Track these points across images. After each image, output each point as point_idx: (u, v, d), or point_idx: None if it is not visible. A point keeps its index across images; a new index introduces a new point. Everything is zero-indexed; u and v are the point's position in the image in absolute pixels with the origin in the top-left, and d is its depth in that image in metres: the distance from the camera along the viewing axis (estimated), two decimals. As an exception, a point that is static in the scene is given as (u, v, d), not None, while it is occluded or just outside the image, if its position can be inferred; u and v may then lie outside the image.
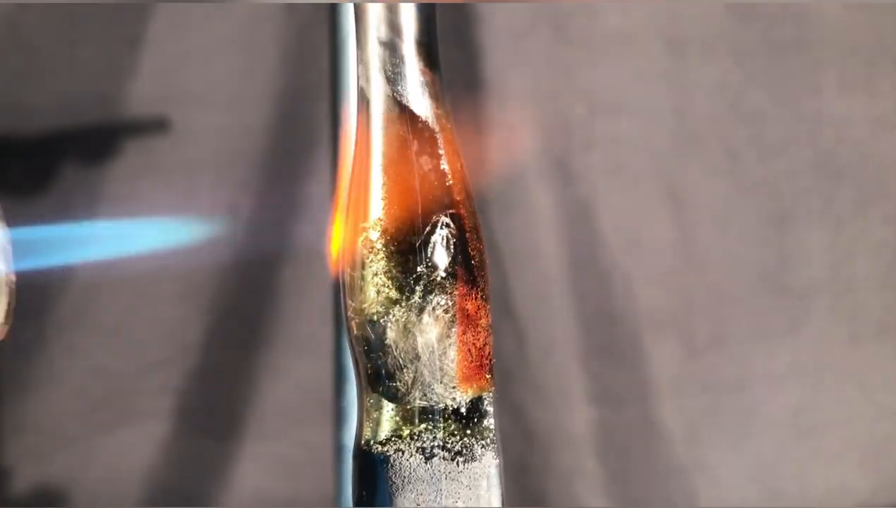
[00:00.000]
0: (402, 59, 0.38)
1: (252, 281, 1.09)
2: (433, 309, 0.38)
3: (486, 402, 0.39)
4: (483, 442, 0.39)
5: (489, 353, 0.39)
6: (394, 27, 0.38)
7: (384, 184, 0.38)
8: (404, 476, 0.38)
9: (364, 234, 0.38)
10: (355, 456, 0.39)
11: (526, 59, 1.07)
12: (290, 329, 1.08)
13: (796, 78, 1.08)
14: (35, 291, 1.07)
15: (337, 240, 0.39)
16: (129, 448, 1.08)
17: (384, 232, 0.38)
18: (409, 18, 0.38)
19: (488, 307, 0.39)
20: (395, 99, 0.38)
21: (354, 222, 0.39)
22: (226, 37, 1.06)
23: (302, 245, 1.07)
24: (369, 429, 0.39)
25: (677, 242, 1.09)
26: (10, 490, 1.07)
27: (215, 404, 1.10)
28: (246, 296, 1.09)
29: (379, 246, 0.38)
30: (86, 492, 1.09)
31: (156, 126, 1.06)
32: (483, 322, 0.38)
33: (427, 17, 0.38)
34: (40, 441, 1.08)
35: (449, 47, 1.05)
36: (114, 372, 1.08)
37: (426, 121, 0.38)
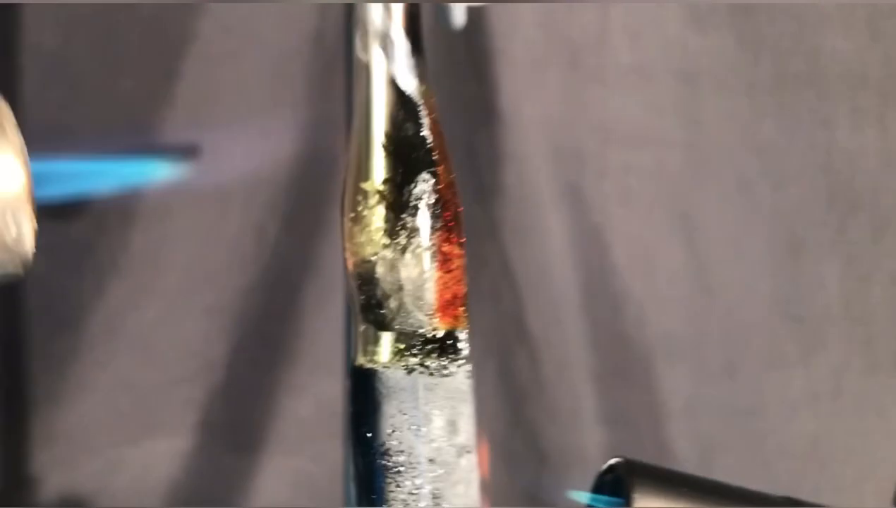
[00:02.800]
0: (392, 43, 0.48)
1: (274, 302, 1.12)
2: (415, 249, 0.46)
3: (459, 334, 0.47)
4: (457, 363, 0.47)
5: (463, 292, 0.48)
6: (388, 17, 0.48)
7: (376, 148, 0.47)
8: (389, 387, 0.46)
9: (360, 192, 0.47)
10: (349, 375, 0.47)
11: (541, 91, 1.10)
12: (311, 348, 1.11)
13: (808, 111, 1.09)
14: (68, 308, 1.11)
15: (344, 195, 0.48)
16: (153, 460, 1.11)
17: (377, 189, 0.47)
18: (398, 12, 0.48)
19: (462, 253, 0.47)
20: (387, 74, 0.48)
21: (355, 180, 0.47)
22: (255, 69, 1.10)
23: (324, 267, 1.10)
24: (360, 353, 0.47)
25: (690, 269, 1.11)
26: (39, 497, 1.10)
27: (237, 419, 1.12)
28: (268, 316, 1.12)
29: (373, 201, 0.47)
30: (111, 501, 1.11)
31: (187, 153, 1.10)
32: (456, 262, 0.47)
33: (412, 14, 0.48)
34: (69, 450, 1.10)
35: (468, 80, 1.09)
36: (141, 385, 1.11)
37: (411, 96, 0.47)
